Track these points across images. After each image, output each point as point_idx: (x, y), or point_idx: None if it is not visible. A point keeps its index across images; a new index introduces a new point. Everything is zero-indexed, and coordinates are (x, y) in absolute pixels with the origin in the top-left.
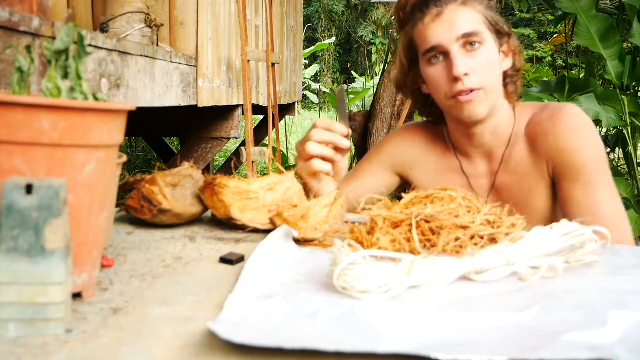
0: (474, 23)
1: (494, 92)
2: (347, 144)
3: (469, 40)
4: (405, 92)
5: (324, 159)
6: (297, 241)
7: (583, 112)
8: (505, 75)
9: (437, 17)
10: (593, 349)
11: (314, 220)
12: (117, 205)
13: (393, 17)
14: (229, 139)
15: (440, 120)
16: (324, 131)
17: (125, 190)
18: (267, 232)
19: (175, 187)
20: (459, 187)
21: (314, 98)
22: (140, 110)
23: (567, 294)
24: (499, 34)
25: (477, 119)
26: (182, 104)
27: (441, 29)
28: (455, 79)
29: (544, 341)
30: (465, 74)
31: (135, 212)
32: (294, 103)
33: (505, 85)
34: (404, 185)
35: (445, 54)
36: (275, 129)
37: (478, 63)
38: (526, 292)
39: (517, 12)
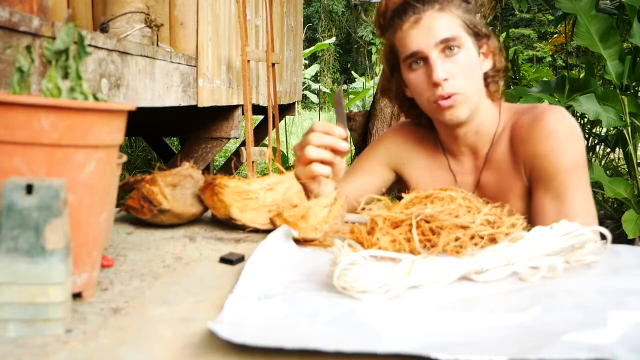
0: (452, 28)
1: (473, 95)
2: (346, 146)
3: (447, 45)
4: (390, 96)
5: (323, 162)
6: (297, 241)
7: (568, 117)
8: (486, 75)
9: (415, 24)
10: (593, 349)
11: (314, 220)
12: (117, 205)
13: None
14: (229, 139)
15: (426, 122)
16: (322, 134)
17: (125, 190)
18: (267, 232)
19: (175, 187)
20: (446, 184)
21: (314, 98)
22: (140, 110)
23: (567, 294)
24: (477, 36)
25: (459, 121)
26: (182, 104)
27: (420, 35)
28: (435, 84)
29: (544, 341)
30: (445, 79)
31: (135, 212)
32: (294, 103)
33: (487, 86)
34: (399, 182)
35: (425, 59)
36: (275, 129)
37: (457, 67)
38: (526, 292)
39: (517, 12)
